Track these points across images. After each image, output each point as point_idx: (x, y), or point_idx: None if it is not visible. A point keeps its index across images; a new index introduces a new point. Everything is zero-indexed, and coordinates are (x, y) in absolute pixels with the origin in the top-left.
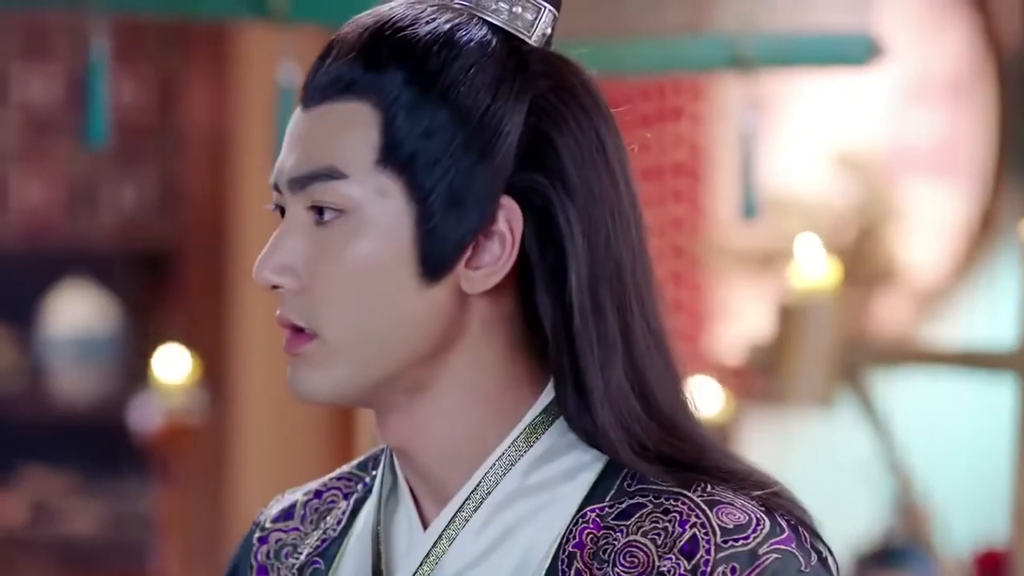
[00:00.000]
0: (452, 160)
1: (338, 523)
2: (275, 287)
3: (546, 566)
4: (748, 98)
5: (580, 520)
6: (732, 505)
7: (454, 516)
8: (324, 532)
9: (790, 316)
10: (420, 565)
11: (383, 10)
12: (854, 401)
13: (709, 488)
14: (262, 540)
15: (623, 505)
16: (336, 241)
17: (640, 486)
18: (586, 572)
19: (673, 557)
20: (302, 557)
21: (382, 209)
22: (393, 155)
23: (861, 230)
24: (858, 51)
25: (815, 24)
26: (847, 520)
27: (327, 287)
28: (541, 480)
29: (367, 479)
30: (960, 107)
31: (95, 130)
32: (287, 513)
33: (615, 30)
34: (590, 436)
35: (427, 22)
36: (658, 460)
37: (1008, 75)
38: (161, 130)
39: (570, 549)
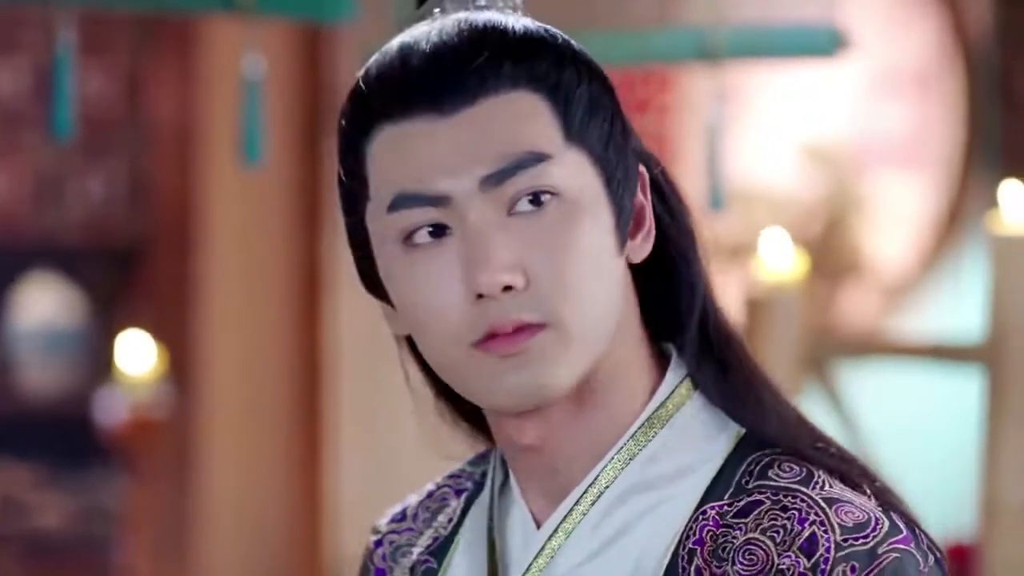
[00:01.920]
0: (611, 130)
1: (449, 521)
2: (507, 288)
3: (666, 563)
4: (715, 90)
5: (700, 517)
6: (852, 504)
7: (571, 510)
8: (436, 531)
9: (757, 308)
10: (535, 558)
11: (475, 19)
12: (821, 394)
13: (827, 485)
14: (378, 543)
15: (742, 503)
16: (558, 226)
17: (759, 483)
18: (706, 570)
19: (792, 555)
20: (414, 556)
21: (586, 184)
22: (574, 132)
23: (828, 222)
24: (825, 43)
25: (782, 16)
26: None
27: (562, 274)
28: (659, 475)
29: (477, 475)
30: (928, 100)
31: (61, 123)
32: (401, 515)
33: (583, 22)
34: (738, 413)
35: (514, 19)
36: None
37: (976, 68)
38: (128, 123)
39: (690, 546)
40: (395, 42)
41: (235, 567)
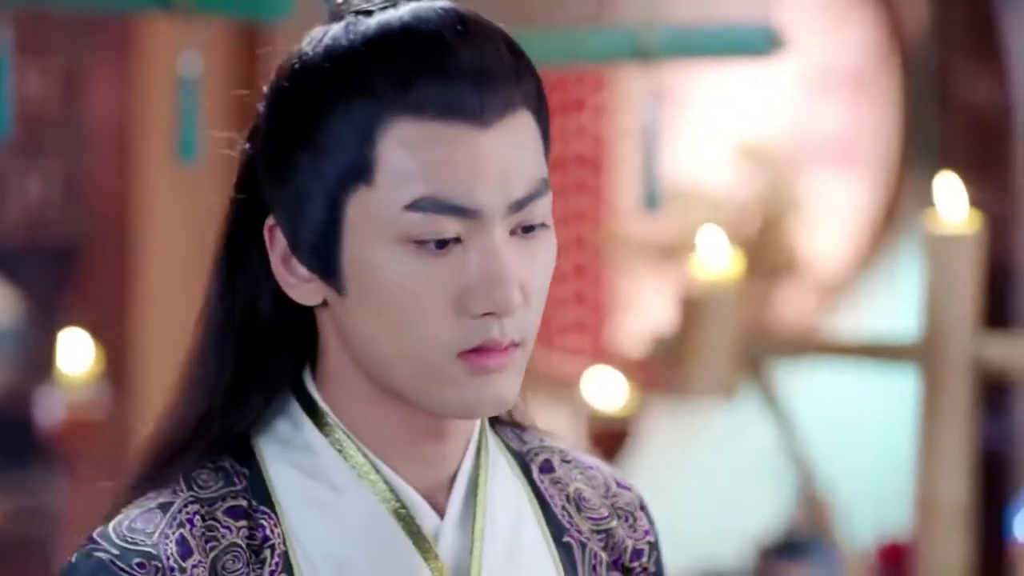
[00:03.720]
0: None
1: (265, 540)
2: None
3: (533, 493)
4: (650, 90)
5: (528, 461)
6: None
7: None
8: (251, 552)
9: (693, 308)
10: (475, 517)
11: (473, 16)
12: (757, 393)
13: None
14: None
15: (532, 449)
16: (541, 251)
17: (530, 444)
18: (554, 488)
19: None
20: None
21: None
22: (546, 158)
23: (764, 221)
24: (760, 42)
25: (717, 15)
26: (750, 512)
27: (540, 297)
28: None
29: (237, 493)
30: (864, 99)
31: None
32: (186, 550)
33: (517, 21)
34: None
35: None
36: None
37: (912, 67)
38: (65, 122)
39: (536, 479)
40: (391, 23)
41: None
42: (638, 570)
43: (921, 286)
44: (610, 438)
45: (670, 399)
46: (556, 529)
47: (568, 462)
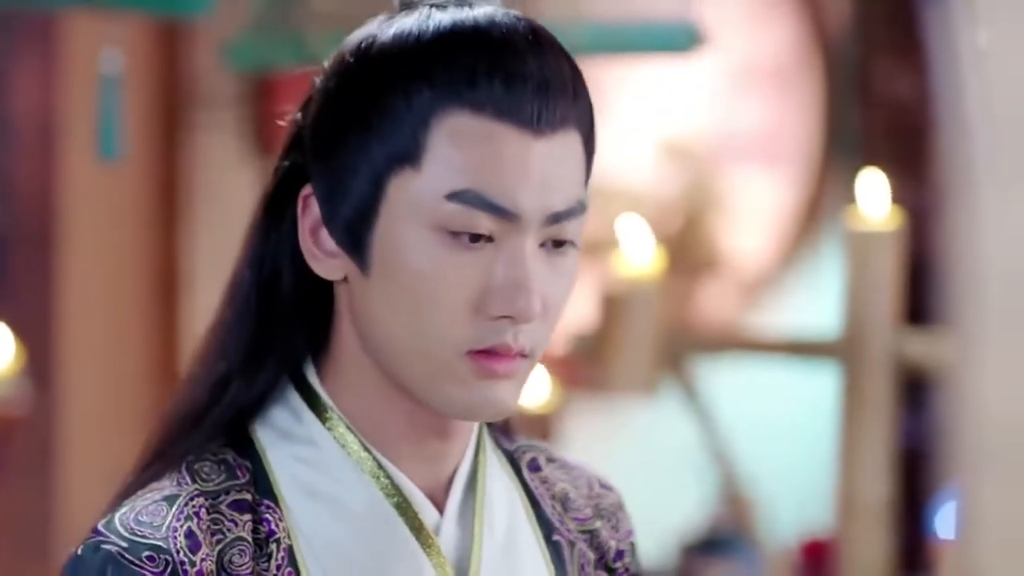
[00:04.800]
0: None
1: (271, 533)
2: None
3: (524, 491)
4: None
5: (518, 460)
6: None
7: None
8: (254, 545)
9: (614, 305)
10: (475, 509)
11: (544, 31)
12: (678, 390)
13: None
14: (181, 566)
15: (523, 453)
16: (566, 270)
17: (516, 445)
18: (543, 486)
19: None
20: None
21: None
22: (587, 178)
23: (686, 218)
24: (682, 39)
25: (639, 12)
26: (672, 509)
27: (557, 314)
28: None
29: (241, 487)
30: (786, 96)
31: None
32: (195, 544)
33: None
34: None
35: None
36: None
37: (834, 64)
38: None
39: (527, 476)
40: (465, 21)
41: None
42: (621, 570)
43: (842, 283)
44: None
45: (591, 396)
46: (546, 527)
47: (553, 462)
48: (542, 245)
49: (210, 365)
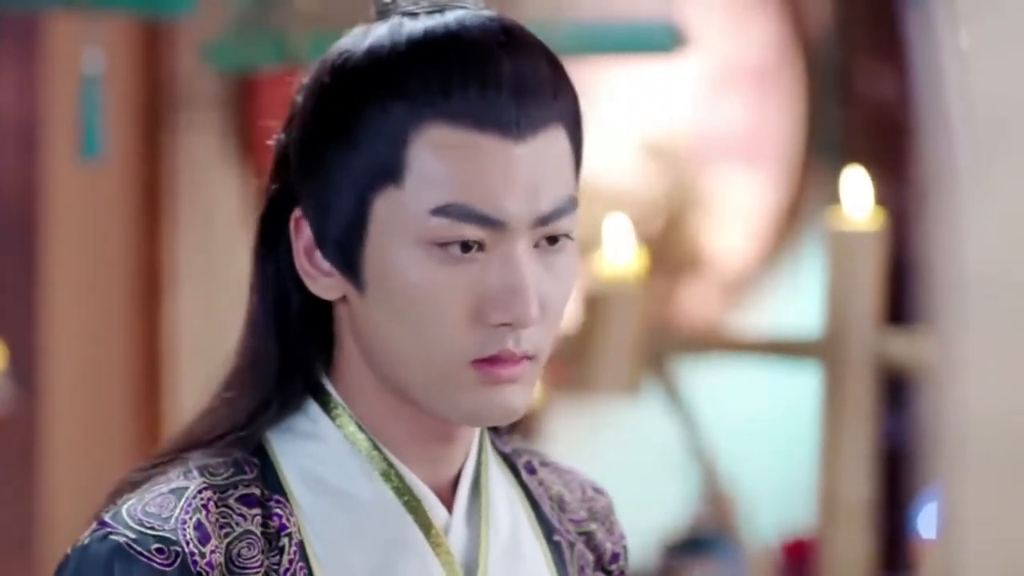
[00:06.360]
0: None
1: (281, 528)
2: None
3: (522, 489)
4: None
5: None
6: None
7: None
8: (263, 540)
9: (596, 305)
10: (481, 507)
11: (519, 28)
12: (660, 390)
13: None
14: (192, 558)
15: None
16: (564, 266)
17: (510, 446)
18: (541, 486)
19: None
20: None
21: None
22: (578, 176)
23: (668, 218)
24: (663, 40)
25: (620, 12)
26: (654, 509)
27: (559, 312)
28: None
29: (250, 481)
30: (767, 96)
31: None
32: (204, 536)
33: None
34: None
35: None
36: None
37: (815, 64)
38: None
39: (525, 477)
40: (437, 29)
41: None
42: (616, 573)
43: (824, 283)
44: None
45: (573, 396)
46: (547, 528)
47: (546, 465)
48: (536, 245)
49: (247, 390)
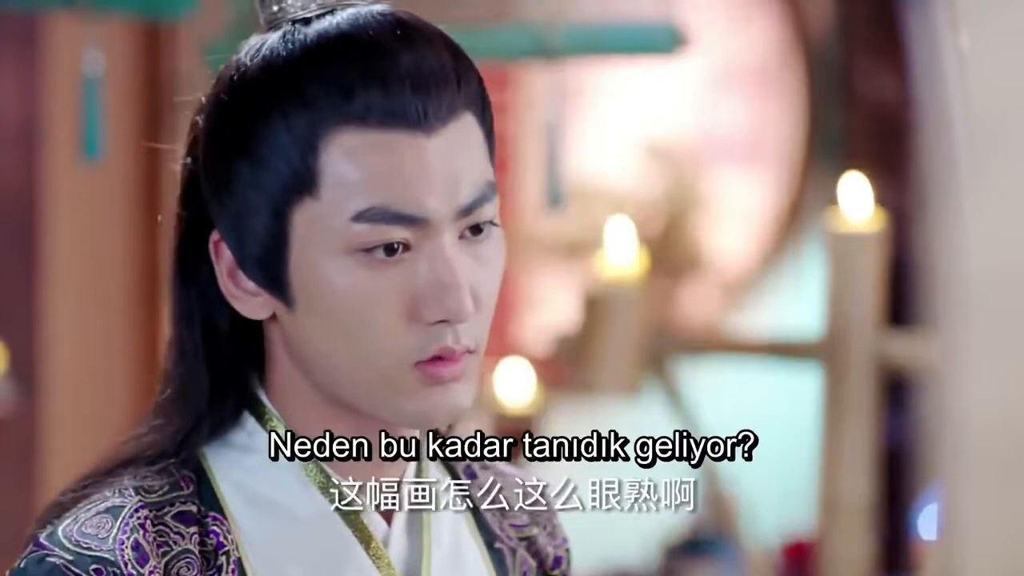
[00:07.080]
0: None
1: (219, 546)
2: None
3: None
4: (554, 88)
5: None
6: None
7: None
8: (198, 558)
9: (596, 306)
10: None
11: (415, 20)
12: (661, 391)
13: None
14: None
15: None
16: (491, 254)
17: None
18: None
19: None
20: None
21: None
22: (492, 158)
23: (668, 219)
24: (664, 40)
25: (621, 13)
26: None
27: (491, 301)
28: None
29: (185, 498)
30: (768, 97)
31: None
32: (142, 556)
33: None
34: None
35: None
36: None
37: (816, 65)
38: None
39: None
40: (330, 31)
41: None
42: None
43: (824, 284)
44: (514, 436)
45: (574, 397)
46: (487, 535)
47: (487, 468)
48: (461, 237)
49: (177, 416)
